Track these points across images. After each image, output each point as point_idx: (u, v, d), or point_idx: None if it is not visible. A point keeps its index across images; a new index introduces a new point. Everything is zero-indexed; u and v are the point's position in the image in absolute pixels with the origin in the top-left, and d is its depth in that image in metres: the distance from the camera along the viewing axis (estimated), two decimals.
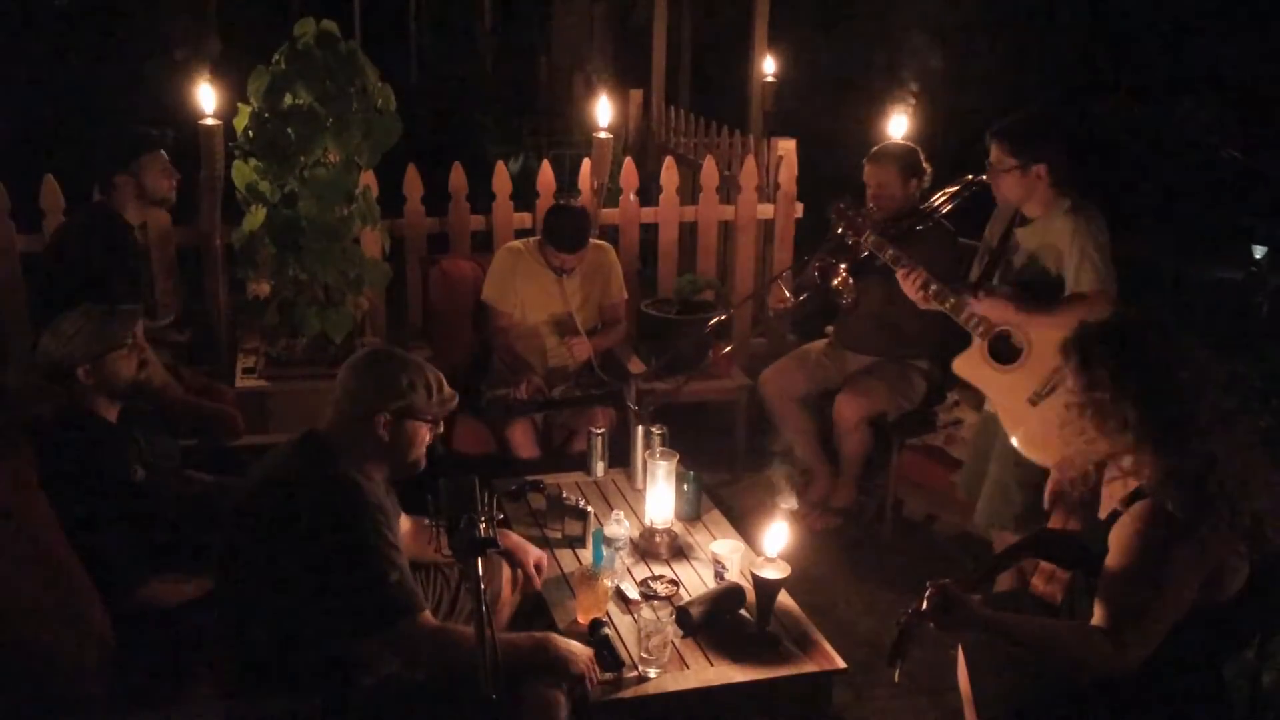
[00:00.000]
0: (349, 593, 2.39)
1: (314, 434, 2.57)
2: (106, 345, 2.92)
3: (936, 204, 4.13)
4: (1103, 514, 2.54)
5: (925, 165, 4.23)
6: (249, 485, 2.59)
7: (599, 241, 4.57)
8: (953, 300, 3.62)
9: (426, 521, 2.42)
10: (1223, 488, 2.29)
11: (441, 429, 2.67)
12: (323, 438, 2.55)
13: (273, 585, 2.43)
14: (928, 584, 2.35)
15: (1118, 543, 2.36)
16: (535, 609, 3.08)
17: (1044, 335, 3.49)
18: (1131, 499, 2.40)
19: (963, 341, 3.69)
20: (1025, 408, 3.47)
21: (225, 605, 2.58)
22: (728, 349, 4.58)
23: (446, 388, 2.63)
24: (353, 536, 2.41)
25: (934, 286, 3.65)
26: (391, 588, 2.40)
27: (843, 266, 4.03)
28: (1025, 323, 3.52)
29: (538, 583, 3.04)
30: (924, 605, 2.32)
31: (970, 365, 3.64)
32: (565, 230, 4.26)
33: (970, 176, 4.01)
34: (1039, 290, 3.53)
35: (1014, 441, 3.47)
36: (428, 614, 2.47)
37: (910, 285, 3.67)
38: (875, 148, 4.28)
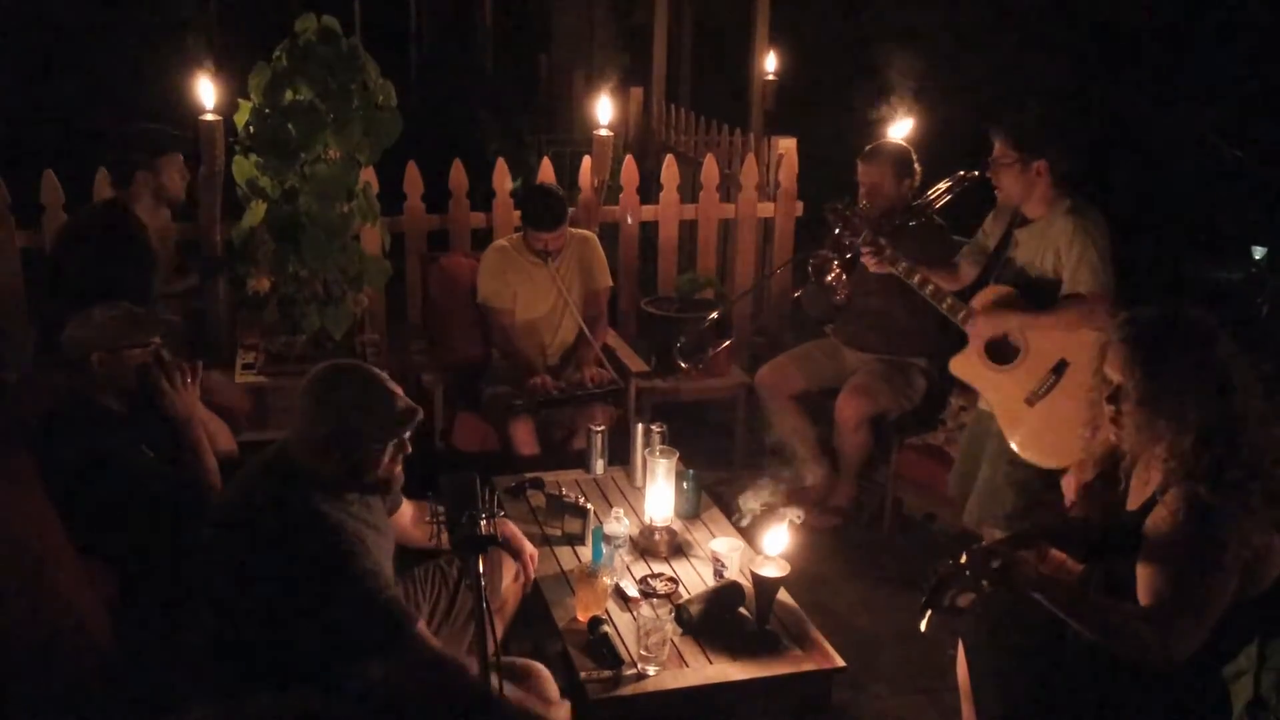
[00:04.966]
0: (340, 621, 2.35)
1: (284, 453, 2.49)
2: (130, 340, 2.93)
3: (929, 199, 4.14)
4: (1133, 505, 2.53)
5: (916, 166, 4.26)
6: (221, 510, 2.55)
7: (584, 231, 4.58)
8: (950, 301, 3.65)
9: (428, 518, 2.41)
10: (1262, 478, 2.30)
11: (409, 449, 2.53)
12: (292, 459, 2.47)
13: (253, 614, 2.39)
14: (965, 550, 2.37)
15: (1158, 533, 2.35)
16: (533, 608, 3.09)
17: (1041, 336, 3.51)
18: (1164, 488, 2.39)
19: (963, 340, 3.70)
20: (1022, 408, 3.49)
21: (208, 617, 2.52)
22: (725, 345, 4.57)
23: (401, 404, 2.46)
24: (330, 572, 2.35)
25: (931, 286, 3.68)
26: (381, 607, 2.36)
27: (836, 263, 4.05)
28: (1022, 326, 3.53)
29: (531, 574, 3.06)
30: (964, 559, 2.33)
31: (967, 365, 3.66)
32: (541, 208, 4.28)
33: (963, 172, 4.02)
34: (1038, 291, 3.54)
35: (1011, 443, 3.48)
36: (422, 625, 2.44)
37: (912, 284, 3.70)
38: (868, 146, 4.31)
